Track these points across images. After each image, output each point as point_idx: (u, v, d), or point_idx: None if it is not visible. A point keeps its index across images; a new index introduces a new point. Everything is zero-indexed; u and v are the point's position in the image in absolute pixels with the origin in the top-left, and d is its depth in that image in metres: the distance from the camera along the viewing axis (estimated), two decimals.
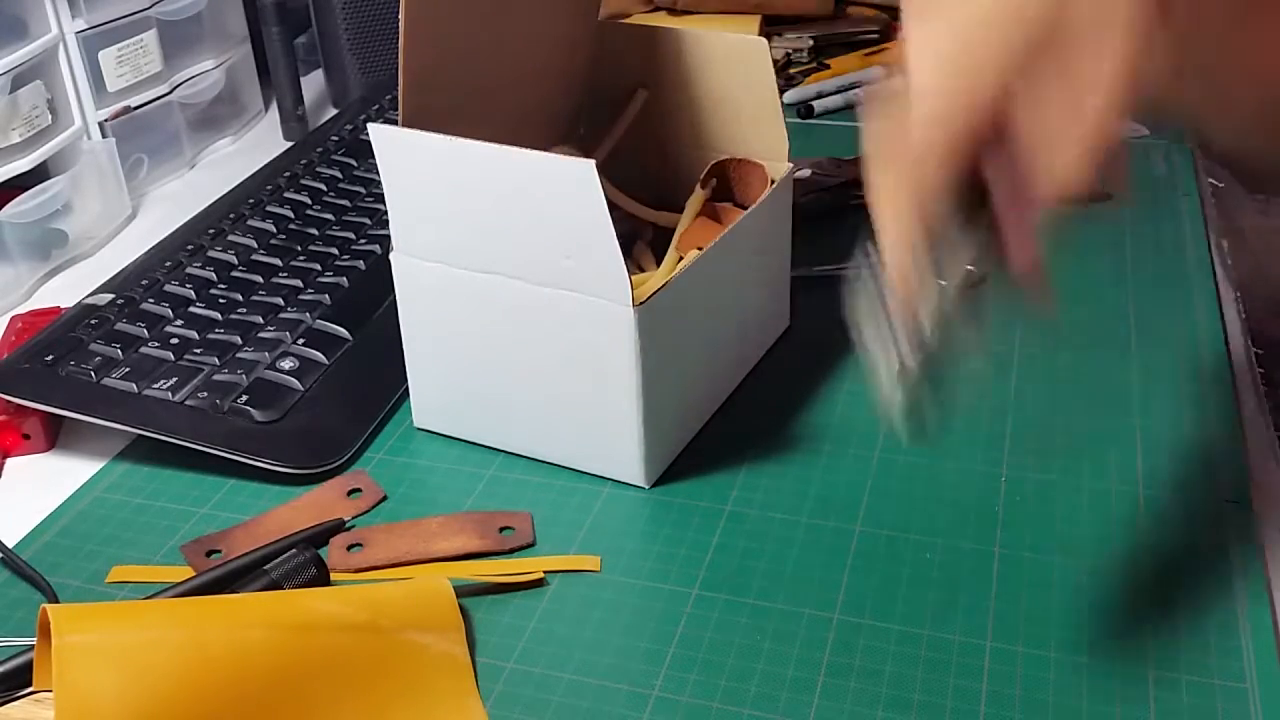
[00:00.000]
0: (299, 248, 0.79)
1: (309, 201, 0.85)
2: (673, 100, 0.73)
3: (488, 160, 0.56)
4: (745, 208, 0.67)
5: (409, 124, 0.59)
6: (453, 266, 0.60)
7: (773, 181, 0.67)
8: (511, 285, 0.59)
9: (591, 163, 0.54)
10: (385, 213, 0.83)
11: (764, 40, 0.68)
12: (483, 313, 0.60)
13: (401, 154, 0.58)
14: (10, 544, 0.59)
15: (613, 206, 0.58)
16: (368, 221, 0.83)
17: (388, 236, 0.81)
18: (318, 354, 0.69)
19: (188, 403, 0.65)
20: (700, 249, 0.61)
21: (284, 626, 0.48)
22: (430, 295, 0.62)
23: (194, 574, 0.56)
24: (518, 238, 0.57)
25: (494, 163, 0.56)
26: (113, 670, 0.45)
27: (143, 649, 0.45)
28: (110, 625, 0.47)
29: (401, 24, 0.57)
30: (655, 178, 0.75)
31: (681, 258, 0.64)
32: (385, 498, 0.62)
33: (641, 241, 0.73)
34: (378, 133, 0.58)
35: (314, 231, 0.81)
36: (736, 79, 0.69)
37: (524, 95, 0.69)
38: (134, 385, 0.66)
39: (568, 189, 0.55)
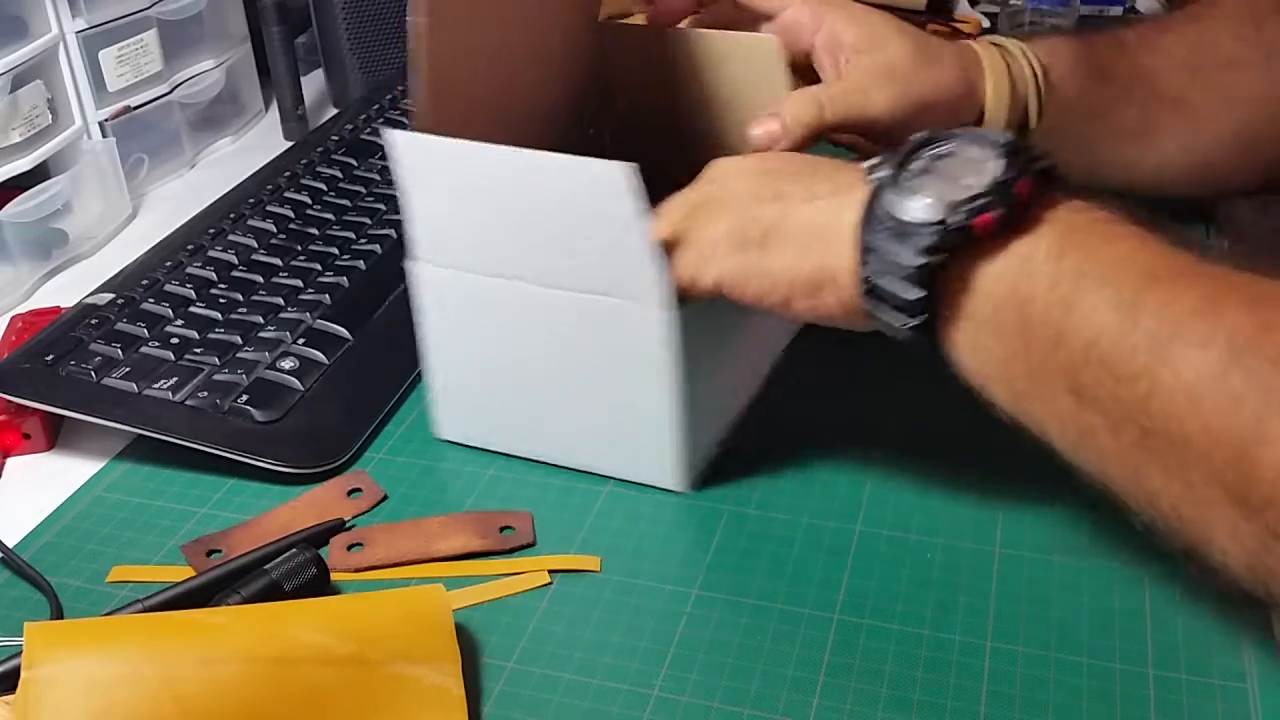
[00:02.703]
0: (299, 248, 0.79)
1: (309, 201, 0.85)
2: (685, 100, 0.72)
3: (520, 165, 0.55)
4: None
5: (430, 129, 0.57)
6: (478, 274, 0.59)
7: None
8: (542, 292, 0.58)
9: (632, 166, 0.53)
10: (385, 213, 0.84)
11: (776, 38, 0.67)
12: (510, 320, 0.59)
13: (424, 161, 0.57)
14: (10, 544, 0.59)
15: None
16: (368, 221, 0.83)
17: (388, 236, 0.81)
18: (318, 354, 0.69)
19: (188, 403, 0.65)
20: None
21: (263, 659, 0.47)
22: (454, 304, 0.60)
23: (194, 574, 0.56)
24: (550, 243, 0.56)
25: (527, 167, 0.55)
26: (80, 707, 0.44)
27: (113, 684, 0.45)
28: (83, 653, 0.46)
29: (422, 29, 0.56)
30: (669, 177, 0.75)
31: None
32: (385, 498, 0.62)
33: None
34: (399, 139, 0.57)
35: (314, 231, 0.81)
36: (749, 78, 0.69)
37: (532, 97, 0.68)
38: (134, 385, 0.66)
39: (606, 192, 0.54)
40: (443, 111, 0.58)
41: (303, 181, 0.88)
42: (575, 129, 0.74)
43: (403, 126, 0.58)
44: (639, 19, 0.76)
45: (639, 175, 0.53)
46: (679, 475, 0.60)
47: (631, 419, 0.59)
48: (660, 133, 0.73)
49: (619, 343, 0.57)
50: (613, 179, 0.53)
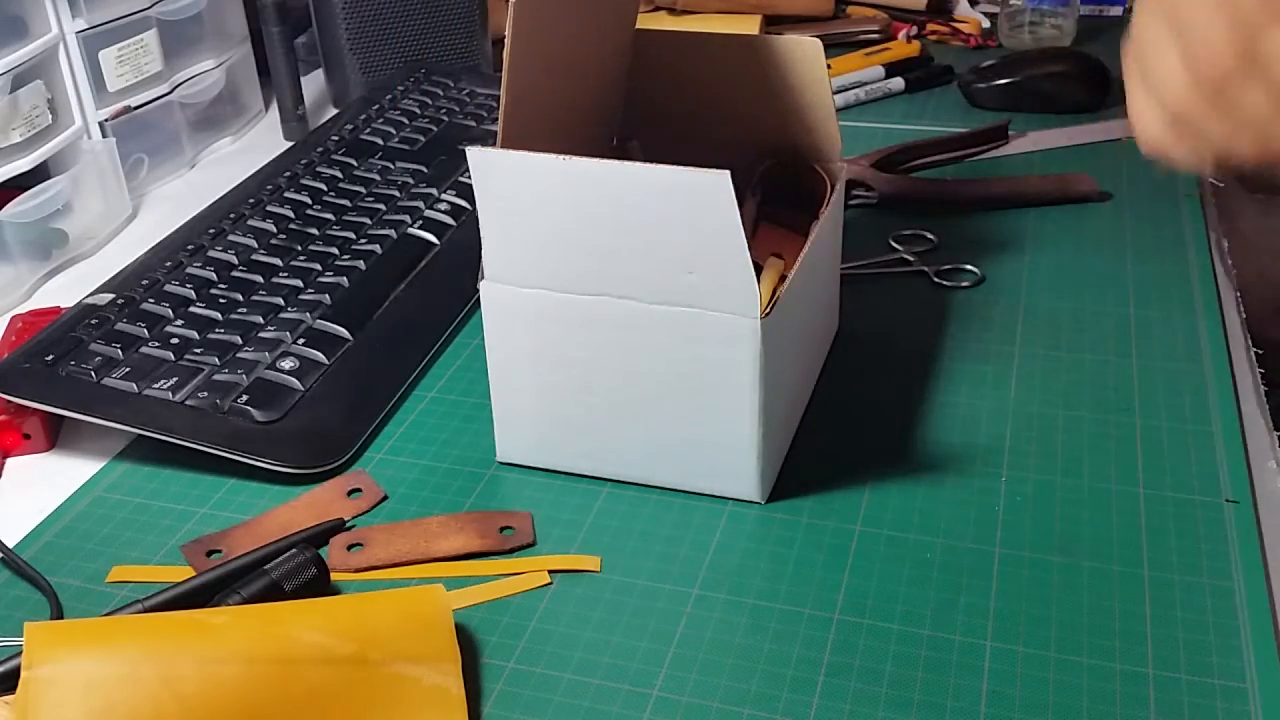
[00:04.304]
0: (299, 248, 0.79)
1: (309, 201, 0.85)
2: (719, 105, 0.71)
3: (608, 179, 0.54)
4: (796, 207, 0.66)
5: (508, 145, 0.56)
6: (555, 291, 0.58)
7: (832, 186, 0.67)
8: (622, 306, 0.57)
9: (726, 174, 0.52)
10: (385, 213, 0.84)
11: (818, 42, 0.67)
12: (587, 337, 0.58)
13: (504, 178, 0.56)
14: (10, 544, 0.59)
15: None
16: (368, 221, 0.83)
17: (388, 236, 0.81)
18: (318, 354, 0.69)
19: (188, 403, 0.65)
20: (779, 255, 0.61)
21: (263, 660, 0.47)
22: (526, 323, 0.59)
23: (194, 574, 0.56)
24: (634, 256, 0.55)
25: (616, 181, 0.54)
26: (80, 707, 0.44)
27: (113, 684, 0.45)
28: (83, 653, 0.46)
29: (507, 44, 0.55)
30: None
31: (761, 266, 0.63)
32: (385, 498, 0.62)
33: None
34: (477, 156, 0.56)
35: (314, 231, 0.81)
36: (791, 81, 0.68)
37: (576, 109, 0.67)
38: (134, 385, 0.66)
39: (699, 202, 0.53)
40: (519, 127, 0.57)
41: (303, 181, 0.88)
42: (604, 139, 0.73)
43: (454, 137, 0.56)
44: (669, 24, 0.75)
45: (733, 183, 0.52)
46: (759, 486, 0.60)
47: (712, 432, 0.59)
48: (690, 139, 0.72)
49: (705, 355, 0.57)
50: (710, 188, 0.52)
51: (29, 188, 0.82)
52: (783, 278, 0.61)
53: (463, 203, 0.86)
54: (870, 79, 1.10)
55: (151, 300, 0.73)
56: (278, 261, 0.78)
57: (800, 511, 0.60)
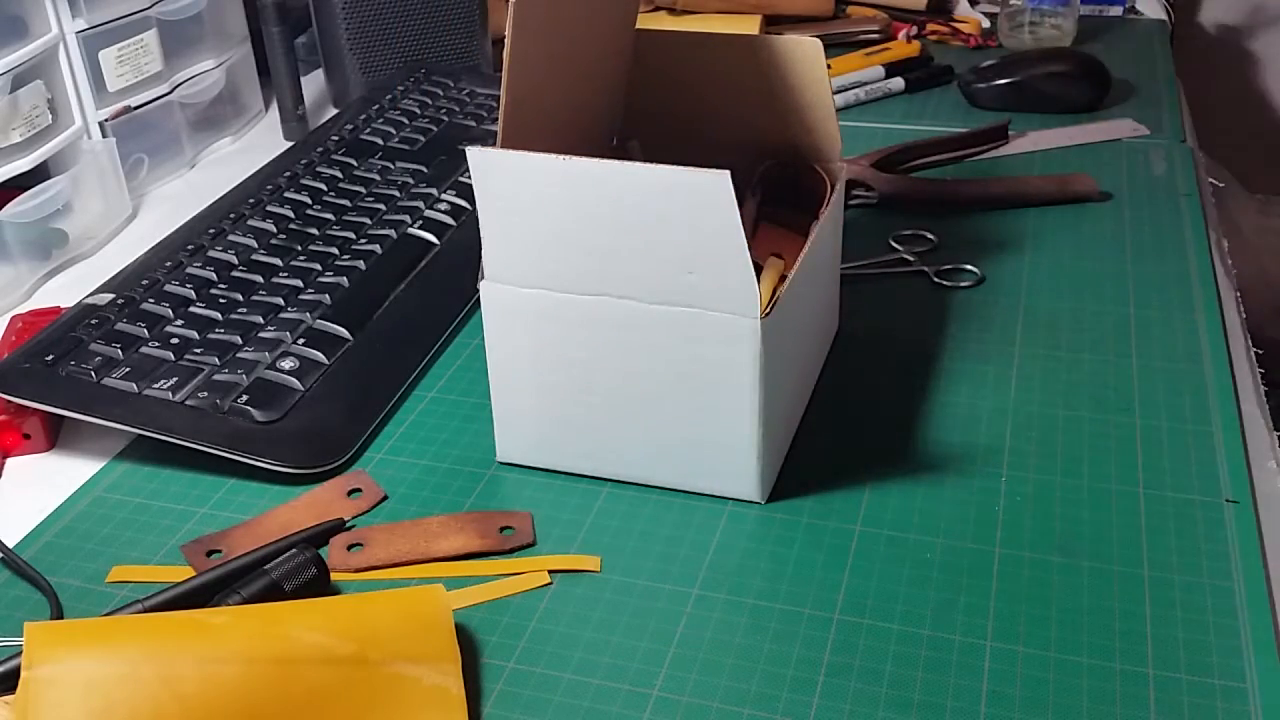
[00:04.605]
0: (299, 248, 0.79)
1: (309, 201, 0.85)
2: (719, 105, 0.71)
3: (608, 179, 0.54)
4: (796, 207, 0.66)
5: (508, 145, 0.56)
6: (555, 291, 0.58)
7: (832, 186, 0.67)
8: (622, 305, 0.57)
9: (727, 174, 0.52)
10: (385, 213, 0.84)
11: (818, 42, 0.67)
12: (587, 337, 0.58)
13: (504, 178, 0.56)
14: (10, 544, 0.59)
15: None
16: (368, 221, 0.83)
17: (388, 236, 0.81)
18: (318, 354, 0.69)
19: (188, 403, 0.65)
20: (779, 255, 0.60)
21: (263, 660, 0.47)
22: (526, 323, 0.59)
23: (194, 574, 0.56)
24: (634, 256, 0.55)
25: (616, 181, 0.54)
26: (80, 707, 0.44)
27: (113, 684, 0.45)
28: (83, 653, 0.46)
29: (507, 44, 0.55)
30: None
31: (761, 266, 0.63)
32: (385, 498, 0.62)
33: None
34: (477, 156, 0.55)
35: (314, 231, 0.81)
36: (791, 81, 0.68)
37: (577, 109, 0.67)
38: (134, 385, 0.66)
39: (700, 202, 0.53)
40: (519, 127, 0.57)
41: (303, 181, 0.88)
42: (604, 139, 0.73)
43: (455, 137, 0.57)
44: (669, 24, 0.75)
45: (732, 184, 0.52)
46: (759, 486, 0.60)
47: (712, 431, 0.59)
48: (690, 139, 0.72)
49: (705, 355, 0.57)
50: (710, 188, 0.52)
51: (29, 188, 0.82)
52: (783, 278, 0.61)
53: (463, 203, 0.86)
54: (870, 79, 1.10)
55: (151, 300, 0.73)
56: (278, 261, 0.78)
57: (800, 511, 0.60)
